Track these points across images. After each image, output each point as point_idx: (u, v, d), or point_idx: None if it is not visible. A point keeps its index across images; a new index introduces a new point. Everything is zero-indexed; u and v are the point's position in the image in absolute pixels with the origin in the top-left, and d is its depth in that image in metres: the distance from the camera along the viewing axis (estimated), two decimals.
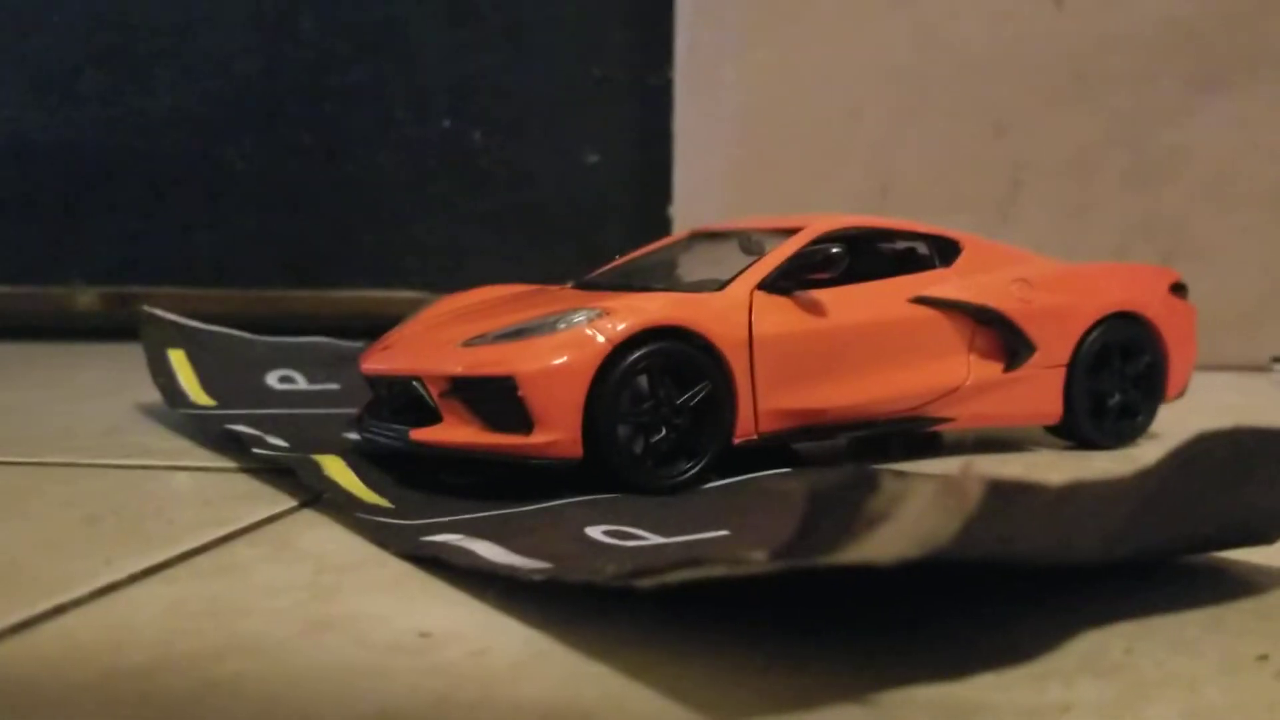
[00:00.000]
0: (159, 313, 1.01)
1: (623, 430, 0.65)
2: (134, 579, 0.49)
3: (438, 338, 0.70)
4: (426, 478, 0.67)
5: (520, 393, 0.63)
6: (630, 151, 1.61)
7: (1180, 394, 0.88)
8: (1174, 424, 0.85)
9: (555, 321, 0.65)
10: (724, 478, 0.69)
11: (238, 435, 0.77)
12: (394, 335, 0.76)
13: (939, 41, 1.51)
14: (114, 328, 1.49)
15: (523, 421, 0.63)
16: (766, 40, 1.53)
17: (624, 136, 1.61)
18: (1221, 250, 1.47)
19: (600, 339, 0.64)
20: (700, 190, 1.56)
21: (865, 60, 1.52)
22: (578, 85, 1.60)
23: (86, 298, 1.64)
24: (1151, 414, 0.85)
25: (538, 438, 0.63)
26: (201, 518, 0.60)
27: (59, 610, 0.45)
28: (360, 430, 0.73)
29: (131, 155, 1.64)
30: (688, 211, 1.54)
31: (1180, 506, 0.42)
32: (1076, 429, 0.83)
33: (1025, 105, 1.50)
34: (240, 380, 0.94)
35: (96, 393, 1.09)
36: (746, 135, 1.55)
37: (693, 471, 0.67)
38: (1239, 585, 0.49)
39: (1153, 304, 0.85)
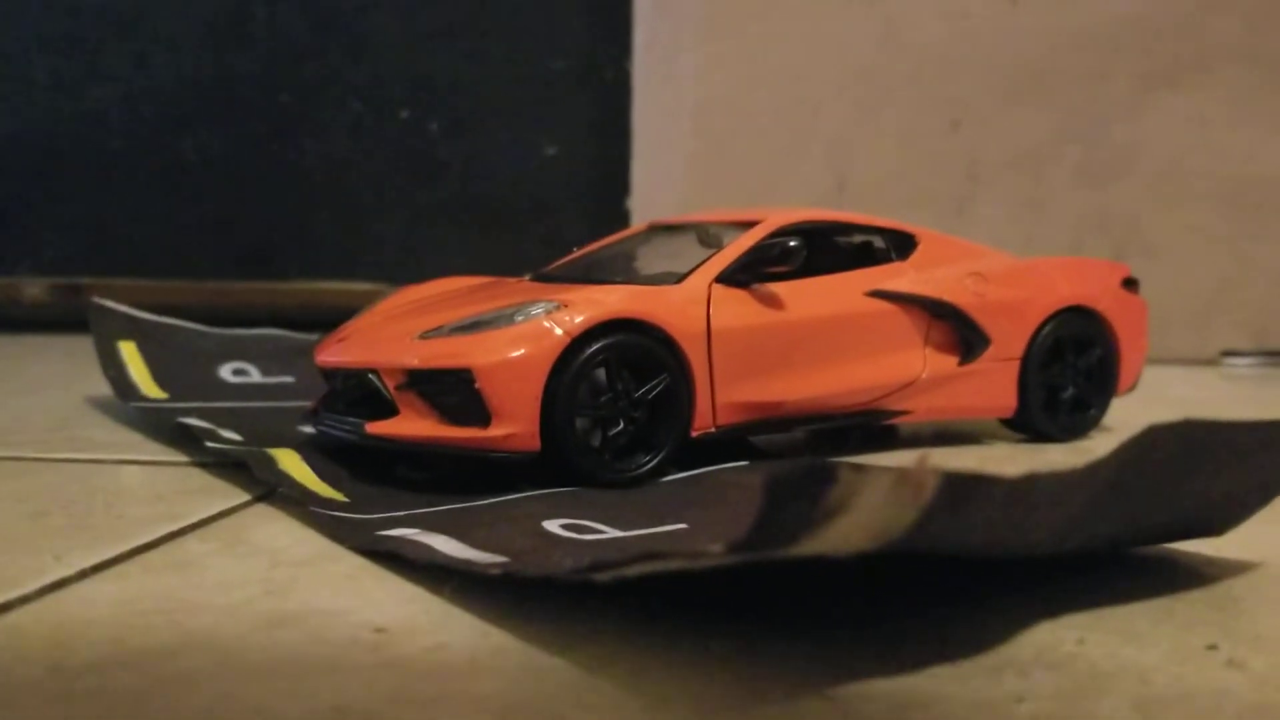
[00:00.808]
0: (109, 304, 1.00)
1: (580, 423, 0.65)
2: (84, 575, 0.48)
3: (394, 330, 0.69)
4: (383, 471, 0.67)
5: (478, 385, 0.62)
6: (588, 144, 1.61)
7: (1132, 387, 0.89)
8: (1125, 417, 0.86)
9: (513, 314, 0.65)
10: (682, 471, 0.69)
11: (190, 428, 0.76)
12: (350, 327, 0.75)
13: (897, 38, 1.52)
14: (63, 319, 1.47)
15: (480, 414, 0.63)
16: (725, 33, 1.54)
17: (582, 129, 1.61)
18: (1172, 246, 1.49)
19: (558, 331, 0.64)
20: (658, 183, 1.56)
21: (823, 55, 1.53)
22: (536, 77, 1.60)
23: (35, 289, 1.61)
24: (1104, 407, 0.86)
25: (495, 430, 0.63)
26: (153, 513, 0.59)
27: (6, 607, 0.44)
28: (315, 423, 0.72)
29: (83, 144, 1.62)
30: (646, 204, 1.54)
31: (1131, 498, 0.42)
32: (1030, 422, 0.84)
33: (981, 102, 1.51)
34: (193, 373, 0.93)
35: (45, 386, 1.07)
36: (705, 128, 1.55)
37: (651, 465, 0.67)
38: (1189, 576, 0.50)
39: (1105, 298, 0.86)
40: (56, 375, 1.13)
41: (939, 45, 1.51)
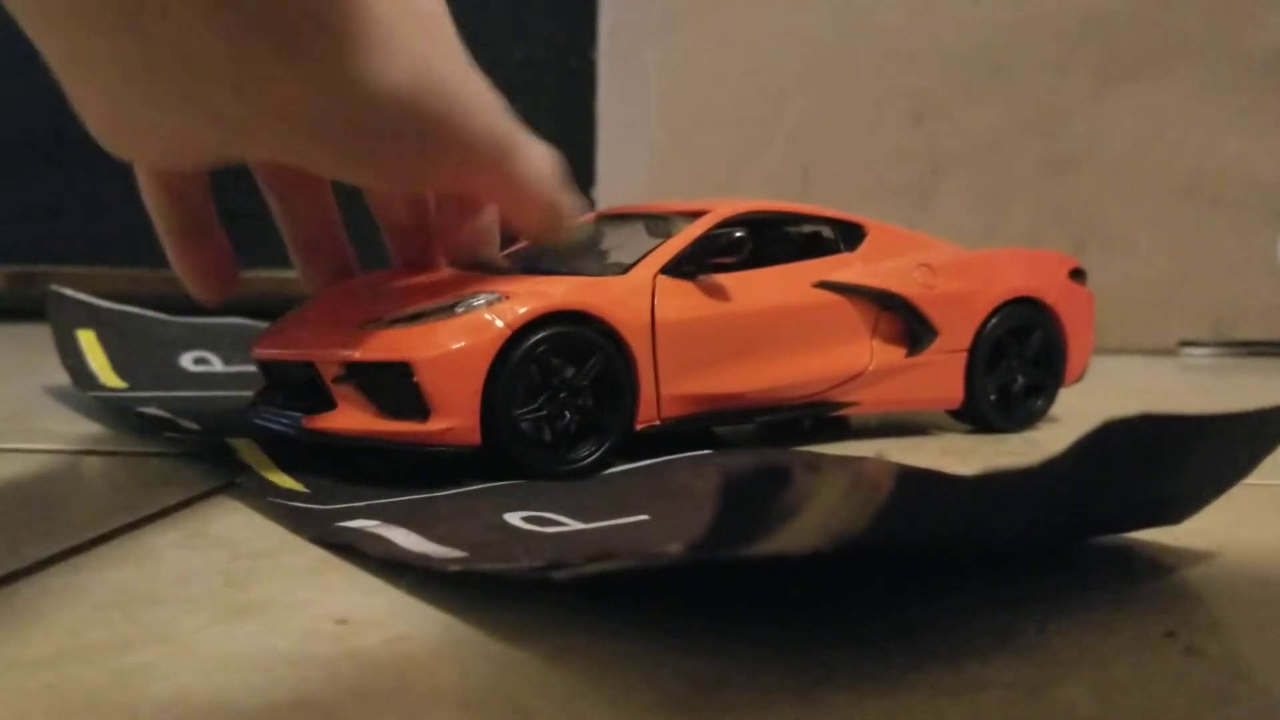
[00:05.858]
0: (67, 292, 0.98)
1: (526, 413, 0.64)
2: (40, 566, 0.48)
3: (335, 321, 0.67)
4: (343, 462, 0.66)
5: (416, 379, 0.61)
6: (553, 133, 1.59)
7: (1079, 378, 0.89)
8: (1085, 407, 0.87)
9: (454, 305, 0.63)
10: (633, 461, 0.68)
11: (149, 418, 0.75)
12: (288, 319, 0.72)
13: (861, 31, 1.52)
14: (20, 308, 1.45)
15: (419, 408, 0.62)
16: (690, 24, 1.53)
17: (546, 118, 1.60)
18: (1131, 238, 1.50)
19: (499, 324, 0.62)
20: (623, 172, 1.56)
21: (786, 46, 1.53)
22: (501, 66, 1.59)
23: None
24: (1050, 398, 0.87)
25: (434, 425, 0.62)
26: (111, 504, 0.58)
27: None
28: (253, 417, 0.69)
29: (39, 129, 1.59)
30: (611, 193, 1.54)
31: (1089, 493, 0.43)
32: (977, 413, 0.84)
33: (944, 94, 1.52)
34: (152, 362, 0.92)
35: (1, 375, 1.05)
36: (669, 118, 1.55)
37: (593, 457, 0.66)
38: (1147, 565, 0.50)
39: (1052, 290, 0.86)
40: (13, 365, 1.11)
41: (901, 38, 1.52)
